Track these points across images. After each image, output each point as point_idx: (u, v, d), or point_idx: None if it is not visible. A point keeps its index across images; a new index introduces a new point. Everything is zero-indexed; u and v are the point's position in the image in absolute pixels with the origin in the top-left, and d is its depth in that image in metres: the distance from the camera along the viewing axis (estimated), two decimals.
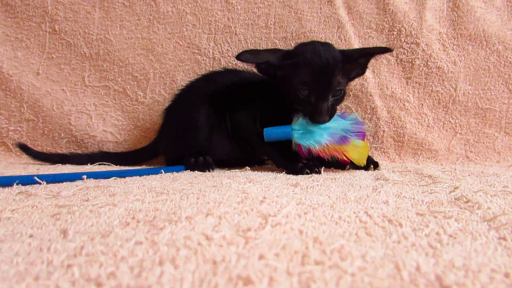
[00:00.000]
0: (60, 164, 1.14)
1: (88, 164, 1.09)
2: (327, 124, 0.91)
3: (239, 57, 0.90)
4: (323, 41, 1.03)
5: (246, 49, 1.22)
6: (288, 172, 0.90)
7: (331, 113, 0.92)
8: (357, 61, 0.96)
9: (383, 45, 1.26)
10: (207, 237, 0.33)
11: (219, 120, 1.03)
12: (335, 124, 0.92)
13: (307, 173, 0.87)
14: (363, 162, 0.94)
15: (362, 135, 0.95)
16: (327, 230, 0.37)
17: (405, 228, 0.39)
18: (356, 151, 0.91)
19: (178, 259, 0.28)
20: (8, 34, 1.24)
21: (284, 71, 0.92)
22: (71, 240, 0.33)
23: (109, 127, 1.27)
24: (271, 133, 0.93)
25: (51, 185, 0.66)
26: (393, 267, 0.28)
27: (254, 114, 1.00)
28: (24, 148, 1.14)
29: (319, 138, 0.89)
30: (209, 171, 0.95)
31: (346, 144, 0.90)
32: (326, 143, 0.88)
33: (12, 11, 1.23)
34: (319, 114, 0.89)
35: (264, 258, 0.29)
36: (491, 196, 0.58)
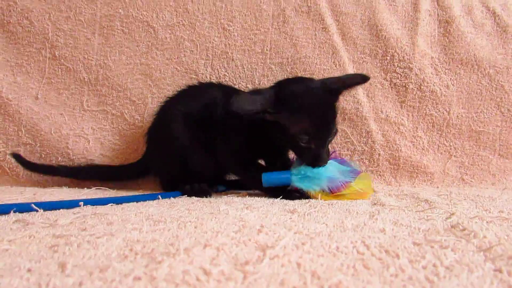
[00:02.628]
0: (56, 187, 1.14)
1: (85, 189, 1.10)
2: (327, 168, 0.90)
3: (231, 106, 0.84)
4: (308, 77, 1.03)
5: (243, 91, 1.24)
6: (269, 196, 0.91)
7: (328, 154, 0.92)
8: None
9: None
10: (205, 272, 0.33)
11: (199, 139, 1.02)
12: (334, 168, 0.91)
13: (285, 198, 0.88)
14: (368, 195, 0.93)
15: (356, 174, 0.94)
16: (324, 262, 0.37)
17: (402, 259, 0.39)
18: (357, 193, 0.90)
19: None
20: (8, 59, 1.25)
21: (277, 117, 0.89)
22: (69, 275, 0.33)
23: (106, 151, 1.27)
24: (270, 178, 0.93)
25: (48, 213, 0.66)
26: None
27: (235, 141, 0.99)
28: (17, 157, 1.17)
29: (318, 183, 0.89)
30: (206, 197, 0.95)
31: (346, 188, 0.89)
32: (326, 188, 0.88)
33: (13, 37, 1.25)
34: (320, 160, 0.89)
35: None
36: (487, 222, 0.58)
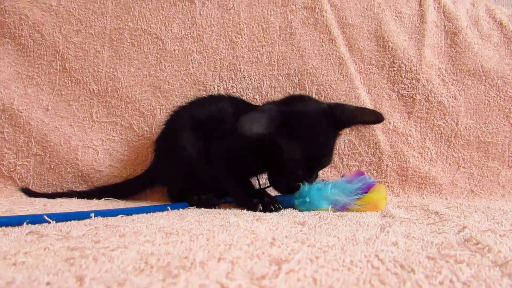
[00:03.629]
0: (66, 198, 1.15)
1: (94, 199, 1.11)
2: (330, 191, 0.89)
3: (239, 130, 0.79)
4: (316, 102, 0.97)
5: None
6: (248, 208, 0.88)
7: (315, 178, 0.92)
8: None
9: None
10: (222, 286, 0.34)
11: (202, 149, 1.03)
12: (338, 190, 0.89)
13: (261, 211, 0.85)
14: (382, 207, 0.92)
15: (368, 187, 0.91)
16: (340, 277, 0.37)
17: (418, 274, 0.39)
18: (369, 205, 0.89)
19: None
20: (19, 72, 1.27)
21: (277, 137, 0.87)
22: None
23: (115, 162, 1.28)
24: None
25: (60, 224, 0.66)
26: None
27: (229, 147, 0.98)
28: (26, 191, 1.20)
29: (319, 207, 0.88)
30: (214, 208, 0.95)
31: (353, 206, 0.88)
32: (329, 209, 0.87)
33: (25, 50, 1.27)
34: (299, 187, 0.89)
35: None
36: (500, 236, 0.58)
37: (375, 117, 0.92)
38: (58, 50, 1.28)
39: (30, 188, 1.24)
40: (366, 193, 0.90)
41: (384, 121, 1.28)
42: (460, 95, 1.31)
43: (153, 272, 0.38)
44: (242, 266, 0.40)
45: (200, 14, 1.30)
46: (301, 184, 0.90)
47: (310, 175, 0.89)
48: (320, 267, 0.40)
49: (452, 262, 0.44)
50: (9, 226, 0.63)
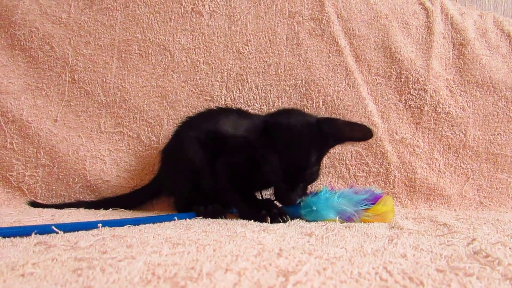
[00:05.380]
0: (74, 208, 1.15)
1: (102, 210, 1.11)
2: (336, 201, 0.88)
3: (218, 127, 0.85)
4: (303, 114, 0.98)
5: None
6: (255, 220, 0.87)
7: (301, 194, 0.90)
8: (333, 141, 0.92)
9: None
10: None
11: (209, 161, 1.03)
12: (345, 200, 0.88)
13: (270, 222, 0.85)
14: (389, 219, 0.90)
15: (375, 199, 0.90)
16: None
17: (427, 287, 0.38)
18: (377, 217, 0.88)
19: None
20: (29, 83, 1.29)
21: (260, 147, 0.88)
22: None
23: (122, 172, 1.29)
24: None
25: (67, 235, 0.67)
26: None
27: (231, 160, 0.99)
28: (34, 205, 1.20)
29: (326, 216, 0.87)
30: (221, 218, 0.95)
31: (360, 217, 0.87)
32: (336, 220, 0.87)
33: (34, 62, 1.29)
34: (288, 201, 0.89)
35: None
36: (510, 249, 0.57)
37: (362, 134, 0.88)
38: (68, 62, 1.29)
39: (38, 198, 1.26)
40: (373, 204, 0.89)
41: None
42: (468, 106, 1.30)
43: (160, 283, 0.38)
44: (249, 278, 0.40)
45: (208, 26, 1.31)
46: (305, 197, 0.90)
47: (292, 188, 0.87)
48: (327, 278, 0.40)
49: (462, 275, 0.43)
50: (18, 237, 0.64)
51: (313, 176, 0.90)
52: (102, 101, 1.30)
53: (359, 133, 0.89)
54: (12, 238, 0.63)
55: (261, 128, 0.87)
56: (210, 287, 0.36)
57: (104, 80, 1.30)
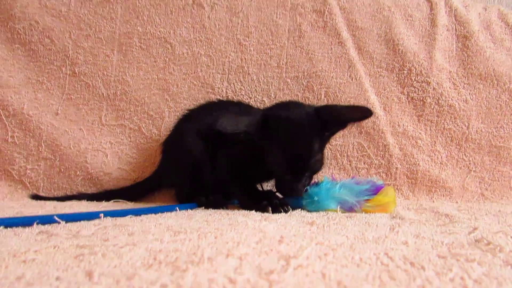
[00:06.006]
0: (75, 201, 1.16)
1: (103, 201, 1.12)
2: (337, 191, 0.89)
3: (215, 125, 0.84)
4: (301, 105, 0.97)
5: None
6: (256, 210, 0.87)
7: (307, 184, 0.91)
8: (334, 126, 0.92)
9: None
10: (231, 280, 0.33)
11: (209, 153, 1.03)
12: (346, 190, 0.89)
13: (272, 212, 0.84)
14: (391, 209, 0.90)
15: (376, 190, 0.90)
16: (349, 273, 0.37)
17: (428, 272, 0.38)
18: (378, 207, 0.88)
19: None
20: (30, 77, 1.29)
21: (260, 140, 0.88)
22: (97, 282, 0.33)
23: (124, 165, 1.29)
24: None
25: (69, 224, 0.67)
26: None
27: (232, 153, 0.99)
28: (36, 198, 1.21)
29: (328, 206, 0.87)
30: (222, 208, 0.95)
31: (361, 207, 0.87)
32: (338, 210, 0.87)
33: (35, 56, 1.29)
34: (293, 192, 0.88)
35: None
36: (511, 238, 0.57)
37: (361, 113, 0.88)
38: (68, 55, 1.29)
39: (40, 191, 1.26)
40: (375, 195, 0.89)
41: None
42: (471, 99, 1.30)
43: (161, 267, 0.38)
44: (250, 262, 0.40)
45: (209, 18, 1.31)
46: (307, 187, 0.90)
47: (298, 179, 0.87)
48: (328, 263, 0.40)
49: (463, 260, 0.43)
50: (20, 227, 0.64)
51: (317, 165, 0.90)
52: (103, 94, 1.30)
53: (358, 113, 0.89)
54: (14, 228, 0.63)
55: (260, 122, 0.87)
56: (211, 271, 0.36)
57: (105, 73, 1.30)
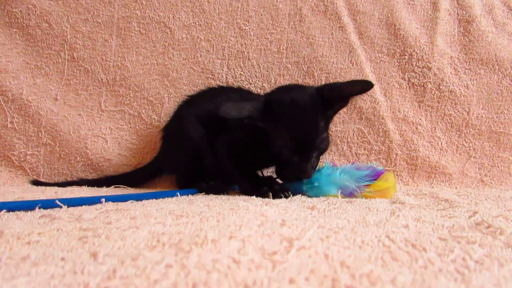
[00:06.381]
0: (76, 186, 1.16)
1: (104, 187, 1.12)
2: (338, 177, 0.89)
3: (218, 111, 0.83)
4: (302, 87, 0.97)
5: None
6: (257, 195, 0.88)
7: (316, 165, 0.91)
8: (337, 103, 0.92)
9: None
10: (235, 261, 0.34)
11: (209, 139, 1.03)
12: (347, 176, 0.89)
13: (272, 197, 0.85)
14: (391, 195, 0.91)
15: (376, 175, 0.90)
16: (352, 254, 0.37)
17: (430, 253, 0.39)
18: (378, 192, 0.88)
19: (210, 282, 0.28)
20: (28, 62, 1.28)
21: (264, 124, 0.88)
22: (102, 263, 0.33)
23: (124, 151, 1.29)
24: None
25: (71, 209, 0.67)
26: None
27: (232, 139, 0.99)
28: (36, 183, 1.21)
29: (328, 192, 0.88)
30: (223, 194, 0.96)
31: (361, 193, 0.87)
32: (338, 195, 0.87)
33: (33, 40, 1.28)
34: (303, 173, 0.88)
35: (294, 282, 0.29)
36: (511, 221, 0.58)
37: (362, 86, 0.88)
38: (66, 40, 1.28)
39: (41, 177, 1.26)
40: (375, 180, 0.90)
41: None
42: (472, 84, 1.29)
43: (165, 248, 0.38)
44: (253, 244, 0.40)
45: (208, 2, 1.29)
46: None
47: (307, 159, 0.87)
48: (331, 245, 0.40)
49: (464, 242, 0.43)
50: (22, 211, 0.64)
51: (324, 144, 0.90)
52: (102, 79, 1.29)
53: (359, 86, 0.89)
54: (16, 212, 0.63)
55: (263, 107, 0.87)
56: (215, 252, 0.36)
57: (104, 58, 1.29)
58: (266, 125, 0.88)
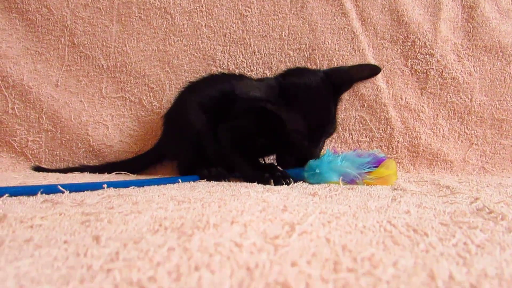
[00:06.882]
0: (78, 173, 1.16)
1: (105, 174, 1.12)
2: (339, 164, 0.88)
3: (236, 90, 0.84)
4: (312, 71, 0.96)
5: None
6: (258, 182, 0.88)
7: (321, 149, 0.93)
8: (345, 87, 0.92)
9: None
10: (237, 244, 0.34)
11: (211, 125, 1.03)
12: (348, 163, 0.88)
13: (274, 184, 0.85)
14: (392, 182, 0.91)
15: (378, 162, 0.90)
16: (353, 238, 0.37)
17: (431, 237, 0.39)
18: (380, 179, 0.88)
19: (213, 265, 0.29)
20: (28, 47, 1.27)
21: (276, 108, 0.88)
22: (105, 246, 0.34)
23: (125, 138, 1.29)
24: None
25: (73, 194, 0.67)
26: (426, 275, 0.28)
27: (234, 125, 0.99)
28: (38, 169, 1.22)
29: (330, 179, 0.88)
30: (224, 181, 0.96)
31: (363, 180, 0.87)
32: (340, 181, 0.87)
33: (33, 26, 1.27)
34: (311, 157, 0.90)
35: (296, 265, 0.29)
36: None
37: (370, 70, 0.91)
38: (66, 25, 1.27)
39: (43, 163, 1.26)
40: (377, 167, 0.89)
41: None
42: (475, 71, 1.28)
43: (167, 232, 0.38)
44: (255, 228, 0.40)
45: None
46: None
47: (316, 144, 0.88)
48: (332, 229, 0.40)
49: (466, 228, 0.43)
50: (24, 196, 0.64)
51: (332, 129, 0.91)
52: (103, 65, 1.28)
53: (367, 71, 0.91)
54: (18, 197, 0.63)
55: (278, 90, 0.87)
56: (217, 236, 0.37)
57: (104, 44, 1.28)
58: (279, 109, 0.88)
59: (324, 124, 0.88)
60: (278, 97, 0.86)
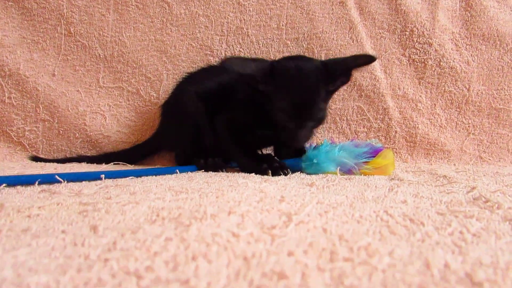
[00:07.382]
0: (75, 163, 1.16)
1: (103, 164, 1.12)
2: (337, 153, 0.89)
3: (224, 62, 0.87)
4: (308, 58, 0.99)
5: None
6: (256, 173, 0.88)
7: (309, 137, 0.92)
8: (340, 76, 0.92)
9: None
10: (234, 234, 0.34)
11: (209, 116, 1.03)
12: (345, 153, 0.89)
13: (272, 175, 0.85)
14: (390, 172, 0.91)
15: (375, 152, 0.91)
16: (350, 228, 0.38)
17: (427, 227, 0.39)
18: (377, 169, 0.88)
19: (210, 255, 0.29)
20: (24, 36, 1.26)
21: (266, 87, 0.88)
22: (102, 235, 0.34)
23: (123, 128, 1.28)
24: None
25: (71, 184, 0.67)
26: (422, 264, 0.28)
27: (232, 116, 0.99)
28: (35, 159, 1.22)
29: (327, 169, 0.88)
30: (222, 171, 0.96)
31: (360, 169, 0.88)
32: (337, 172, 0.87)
33: (29, 14, 1.25)
34: (296, 141, 0.90)
35: (293, 254, 0.29)
36: (509, 196, 0.58)
37: (366, 59, 0.91)
38: (63, 14, 1.25)
39: (40, 153, 1.26)
40: (374, 157, 0.90)
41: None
42: (473, 61, 1.28)
43: (165, 222, 0.39)
44: (252, 219, 0.40)
45: None
46: (308, 147, 0.91)
47: (301, 125, 0.87)
48: (329, 219, 0.41)
49: (462, 217, 0.44)
50: (21, 185, 0.64)
51: (320, 114, 0.90)
52: (99, 55, 1.27)
53: (363, 59, 0.92)
54: (16, 187, 0.63)
55: (268, 70, 0.87)
56: (214, 226, 0.37)
57: (101, 33, 1.27)
58: (267, 88, 0.88)
59: (308, 105, 0.86)
60: (268, 77, 0.87)
